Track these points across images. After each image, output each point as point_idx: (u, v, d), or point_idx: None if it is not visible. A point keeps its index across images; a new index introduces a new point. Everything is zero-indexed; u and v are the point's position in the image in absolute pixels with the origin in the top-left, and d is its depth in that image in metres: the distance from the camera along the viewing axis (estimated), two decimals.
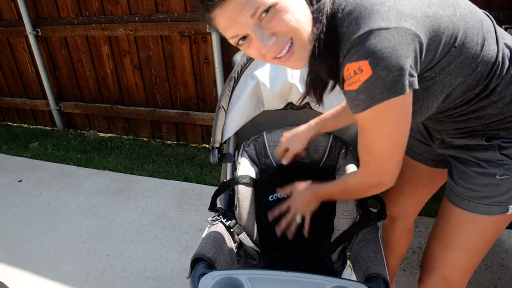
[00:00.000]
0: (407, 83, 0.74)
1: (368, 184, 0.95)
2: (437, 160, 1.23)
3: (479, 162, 0.97)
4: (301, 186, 1.22)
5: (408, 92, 0.75)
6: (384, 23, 0.71)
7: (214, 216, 1.28)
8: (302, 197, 1.19)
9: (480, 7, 0.94)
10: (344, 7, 0.77)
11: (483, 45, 0.84)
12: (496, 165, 0.94)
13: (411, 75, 0.74)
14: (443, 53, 0.80)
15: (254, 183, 1.38)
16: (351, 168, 1.33)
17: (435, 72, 0.82)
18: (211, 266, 1.03)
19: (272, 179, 1.41)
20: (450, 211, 1.05)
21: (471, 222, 1.02)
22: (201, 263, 1.01)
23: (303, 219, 1.22)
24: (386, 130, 0.82)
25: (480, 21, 0.86)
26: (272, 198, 1.40)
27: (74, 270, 2.07)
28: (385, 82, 0.73)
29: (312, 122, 1.31)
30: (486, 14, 0.91)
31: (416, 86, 0.77)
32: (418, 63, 0.76)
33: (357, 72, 0.73)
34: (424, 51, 0.76)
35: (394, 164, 0.89)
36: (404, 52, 0.72)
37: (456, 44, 0.81)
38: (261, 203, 1.39)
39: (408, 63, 0.73)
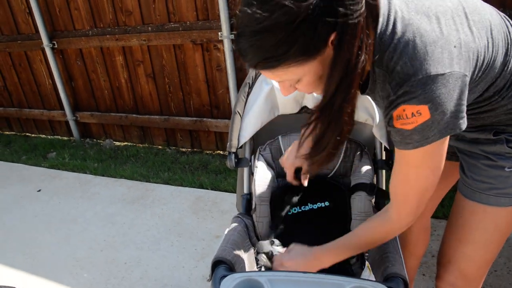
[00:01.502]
0: (459, 124, 0.79)
1: (403, 224, 0.96)
2: (450, 153, 1.24)
3: (488, 155, 0.99)
4: (295, 255, 1.10)
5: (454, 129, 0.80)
6: (440, 69, 0.74)
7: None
8: (310, 266, 1.06)
9: (494, 6, 0.94)
10: (395, 40, 0.77)
11: (504, 61, 0.88)
12: (505, 157, 0.97)
13: (461, 114, 0.79)
14: (478, 79, 0.85)
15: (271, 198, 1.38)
16: (366, 169, 1.32)
17: (468, 89, 0.86)
18: (231, 268, 1.04)
19: (286, 193, 1.42)
20: (463, 204, 1.07)
21: (483, 213, 1.03)
22: (222, 266, 1.02)
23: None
24: (433, 165, 0.86)
25: (505, 36, 0.88)
26: (291, 212, 1.39)
27: (93, 278, 2.10)
28: (440, 125, 0.77)
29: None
30: (504, 16, 0.93)
31: (465, 125, 0.80)
32: (465, 99, 0.80)
33: (415, 114, 0.77)
34: (468, 87, 0.80)
35: (426, 200, 0.92)
36: (458, 95, 0.76)
37: (487, 69, 0.85)
38: (279, 216, 1.38)
39: (461, 105, 0.78)
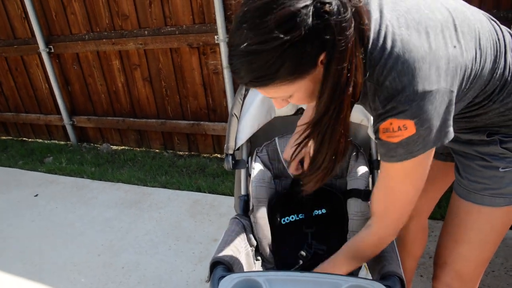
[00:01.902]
0: (444, 137, 0.81)
1: (386, 234, 0.98)
2: (445, 154, 1.26)
3: (482, 156, 1.00)
4: None
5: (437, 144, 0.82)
6: (427, 86, 0.76)
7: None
8: None
9: (489, 7, 0.95)
10: (385, 56, 0.78)
11: (493, 68, 0.89)
12: (499, 158, 0.98)
13: (448, 128, 0.81)
14: (466, 89, 0.87)
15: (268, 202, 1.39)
16: (362, 169, 1.33)
17: (457, 100, 0.87)
18: (229, 269, 1.04)
19: (284, 200, 1.42)
20: (458, 204, 1.08)
21: (478, 213, 1.04)
22: (220, 266, 1.03)
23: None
24: (415, 180, 0.88)
25: (493, 43, 0.89)
26: (284, 221, 1.40)
27: (91, 283, 2.09)
28: (425, 140, 0.79)
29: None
30: (494, 21, 0.94)
31: (451, 137, 0.83)
32: (452, 113, 0.81)
33: (401, 128, 0.78)
34: (454, 100, 0.81)
35: (407, 216, 0.93)
36: (444, 111, 0.78)
37: (476, 79, 0.87)
38: (273, 226, 1.38)
39: (447, 120, 0.80)
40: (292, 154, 1.06)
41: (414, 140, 0.79)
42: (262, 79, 0.75)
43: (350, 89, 0.77)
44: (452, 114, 0.81)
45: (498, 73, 0.90)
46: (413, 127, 0.77)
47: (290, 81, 0.76)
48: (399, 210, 0.93)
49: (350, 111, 0.82)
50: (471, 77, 0.85)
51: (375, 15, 0.79)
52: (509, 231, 1.88)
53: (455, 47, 0.80)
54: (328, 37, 0.70)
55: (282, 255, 1.37)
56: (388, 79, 0.77)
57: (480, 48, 0.86)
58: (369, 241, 1.00)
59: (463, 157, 1.06)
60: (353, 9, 0.72)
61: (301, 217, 1.38)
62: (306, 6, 0.68)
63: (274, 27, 0.68)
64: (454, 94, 0.80)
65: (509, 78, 0.90)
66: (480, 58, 0.86)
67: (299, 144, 0.88)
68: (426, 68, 0.76)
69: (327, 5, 0.68)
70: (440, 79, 0.77)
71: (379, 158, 1.38)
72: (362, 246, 1.02)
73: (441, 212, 2.22)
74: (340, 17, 0.69)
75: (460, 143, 1.06)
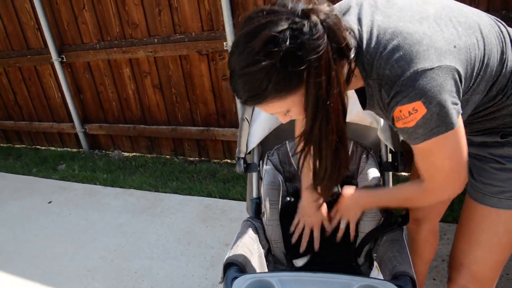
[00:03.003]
0: (456, 114, 0.81)
1: (438, 193, 0.98)
2: None
3: (496, 158, 1.00)
4: (348, 191, 1.21)
5: (459, 119, 0.82)
6: (428, 64, 0.77)
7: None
8: (349, 203, 1.20)
9: (497, 8, 0.96)
10: (380, 49, 0.82)
11: (502, 59, 0.89)
12: None
13: (455, 104, 0.81)
14: (476, 78, 0.87)
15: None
16: (372, 171, 1.34)
17: (469, 94, 0.88)
18: (242, 270, 1.06)
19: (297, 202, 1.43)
20: (473, 207, 1.08)
21: (494, 216, 1.03)
22: (233, 267, 1.05)
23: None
24: (448, 153, 0.87)
25: (497, 35, 0.90)
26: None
27: None
28: (440, 116, 0.80)
29: (307, 188, 1.28)
30: (498, 21, 0.95)
31: (461, 111, 0.83)
32: (460, 93, 0.82)
33: (412, 112, 0.80)
34: (463, 81, 0.82)
35: (461, 179, 0.92)
36: (450, 87, 0.79)
37: (483, 67, 0.87)
38: (286, 223, 1.40)
39: (454, 96, 0.80)
40: (298, 164, 1.08)
41: (428, 119, 0.79)
42: (255, 97, 0.82)
43: (334, 99, 0.81)
44: (460, 94, 0.82)
45: (509, 64, 0.90)
46: (423, 107, 0.78)
47: (281, 98, 0.82)
48: (443, 177, 0.92)
49: (341, 120, 0.85)
50: (478, 64, 0.85)
51: (365, 20, 0.84)
52: None
53: (451, 33, 0.83)
54: (303, 54, 0.75)
55: (294, 250, 1.37)
56: (387, 68, 0.80)
57: (482, 37, 0.87)
58: (420, 190, 0.99)
59: (477, 159, 1.05)
60: (326, 27, 0.76)
61: None
62: (284, 30, 0.74)
63: (258, 50, 0.75)
64: (460, 73, 0.80)
65: None
66: (484, 46, 0.86)
67: (300, 155, 0.92)
68: (424, 50, 0.78)
69: (301, 27, 0.74)
70: (441, 57, 0.78)
71: (392, 157, 1.40)
72: (410, 191, 1.04)
73: (453, 215, 2.20)
74: (312, 36, 0.75)
75: (473, 145, 1.06)
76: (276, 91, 0.80)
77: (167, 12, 3.08)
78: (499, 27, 0.93)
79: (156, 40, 3.22)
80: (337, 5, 0.92)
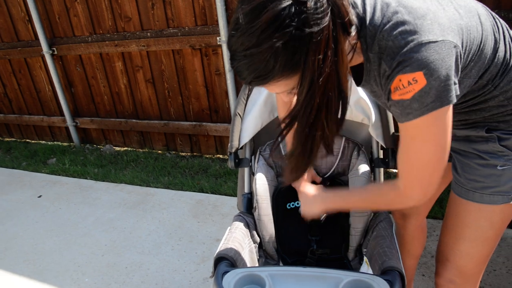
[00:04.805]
0: (454, 91, 0.80)
1: (409, 197, 0.95)
2: None
3: (480, 154, 1.01)
4: (308, 190, 1.20)
5: (453, 96, 0.81)
6: (432, 36, 0.77)
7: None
8: (309, 202, 1.19)
9: (489, 7, 0.97)
10: (384, 21, 0.81)
11: (495, 48, 0.90)
12: (497, 156, 0.98)
13: (455, 83, 0.80)
14: (471, 60, 0.87)
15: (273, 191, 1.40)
16: (363, 167, 1.35)
17: (461, 77, 0.87)
18: (233, 264, 1.06)
19: (289, 187, 1.44)
20: (457, 203, 1.09)
21: (477, 212, 1.05)
22: (224, 262, 1.05)
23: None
24: (437, 136, 0.85)
25: (492, 24, 0.92)
26: (289, 206, 1.42)
27: (94, 283, 2.10)
28: (437, 91, 0.78)
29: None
30: (492, 13, 0.97)
31: (458, 92, 0.82)
32: (459, 71, 0.82)
33: (411, 82, 0.79)
34: (462, 60, 0.82)
35: (436, 176, 0.90)
36: (451, 63, 0.78)
37: (479, 51, 0.87)
38: (278, 211, 1.41)
39: (453, 72, 0.79)
40: (275, 143, 1.07)
41: (426, 92, 0.78)
42: (262, 77, 0.79)
43: (322, 81, 0.79)
44: (457, 76, 0.81)
45: (500, 54, 0.91)
46: (423, 78, 0.77)
47: (287, 77, 0.80)
48: (422, 171, 0.90)
49: (338, 102, 0.84)
50: (474, 48, 0.86)
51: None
52: (511, 231, 1.89)
53: (453, 13, 0.83)
54: (308, 30, 0.73)
55: (285, 242, 1.38)
56: (390, 39, 0.80)
57: (480, 23, 0.87)
58: (393, 193, 0.98)
59: (461, 155, 1.07)
60: (330, 1, 0.74)
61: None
62: (287, 6, 0.72)
63: (262, 30, 0.73)
64: (460, 51, 0.80)
65: (511, 63, 0.92)
66: (482, 31, 0.87)
67: (280, 132, 0.90)
68: (428, 24, 0.78)
69: (305, 0, 0.72)
70: (444, 33, 0.78)
71: (383, 154, 1.41)
72: (382, 194, 1.02)
73: (443, 212, 2.22)
74: (316, 10, 0.73)
75: (458, 141, 1.07)
76: (284, 70, 0.78)
77: (160, 6, 3.05)
78: (493, 17, 0.94)
79: (149, 34, 3.20)
80: None
